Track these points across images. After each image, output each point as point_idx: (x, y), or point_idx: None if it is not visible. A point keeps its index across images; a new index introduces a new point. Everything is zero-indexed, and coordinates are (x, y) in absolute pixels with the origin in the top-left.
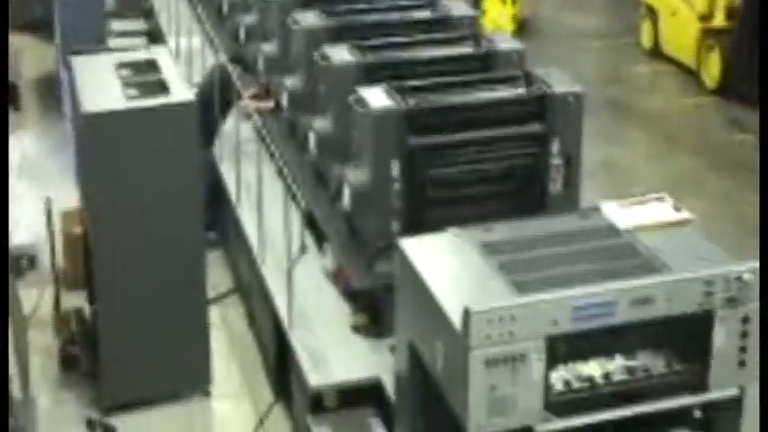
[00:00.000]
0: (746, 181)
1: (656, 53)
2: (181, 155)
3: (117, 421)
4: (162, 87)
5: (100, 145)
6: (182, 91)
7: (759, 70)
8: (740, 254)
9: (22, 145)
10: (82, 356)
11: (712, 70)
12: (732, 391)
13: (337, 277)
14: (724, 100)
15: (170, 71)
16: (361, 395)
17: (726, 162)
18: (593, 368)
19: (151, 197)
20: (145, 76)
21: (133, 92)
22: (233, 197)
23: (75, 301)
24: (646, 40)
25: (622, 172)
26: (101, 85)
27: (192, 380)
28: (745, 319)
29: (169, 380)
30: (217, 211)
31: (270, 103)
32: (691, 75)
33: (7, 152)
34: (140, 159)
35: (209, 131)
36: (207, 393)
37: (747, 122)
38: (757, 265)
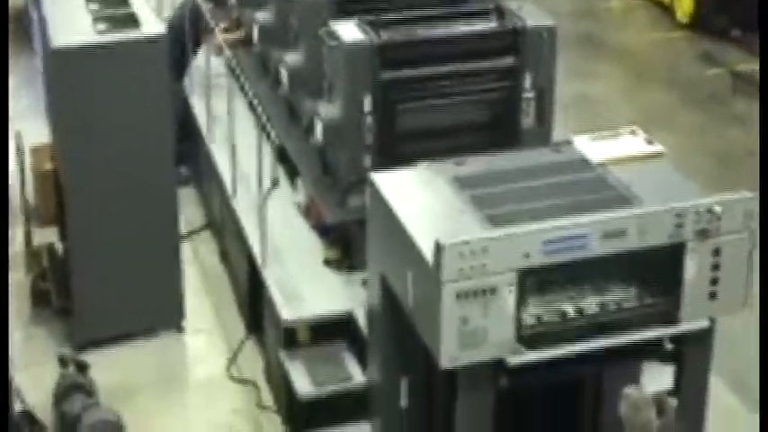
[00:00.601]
0: (718, 115)
1: None
2: (151, 89)
3: (89, 357)
4: (132, 21)
5: (69, 80)
6: (152, 25)
7: (760, 70)
8: (711, 187)
9: None
10: (53, 292)
11: (684, 4)
12: (703, 323)
13: (309, 212)
14: (696, 34)
15: (140, 5)
16: (334, 329)
17: (698, 96)
18: (565, 301)
19: (122, 132)
20: (115, 10)
21: (103, 26)
22: (204, 132)
23: (47, 237)
24: None
25: (595, 106)
26: (70, 19)
27: (164, 316)
28: (716, 252)
29: (142, 316)
30: (188, 146)
31: (241, 36)
32: (663, 9)
33: (7, 150)
34: (110, 94)
35: (179, 66)
36: (180, 329)
37: (719, 56)
38: (728, 197)
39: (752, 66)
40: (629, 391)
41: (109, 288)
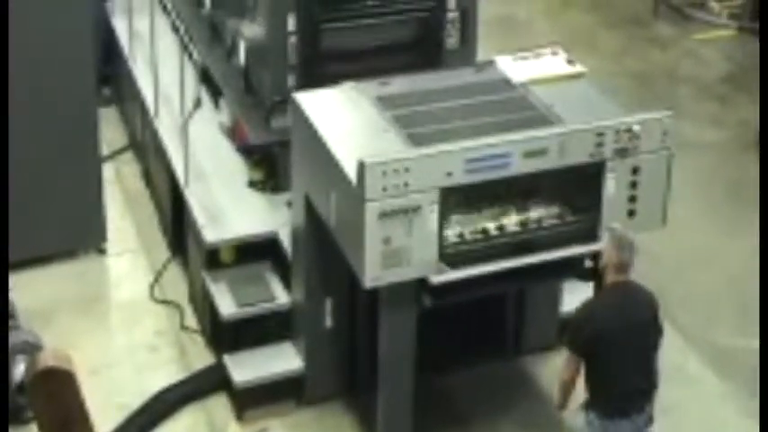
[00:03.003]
0: (639, 37)
1: None
2: (72, 4)
3: (10, 279)
4: None
5: None
6: None
7: (760, 68)
8: (630, 107)
9: None
10: None
11: None
12: None
13: (233, 133)
14: None
15: None
16: (258, 250)
17: (619, 18)
18: (486, 220)
19: (42, 50)
20: None
21: None
22: (126, 52)
23: None
24: None
25: (517, 27)
26: None
27: (86, 237)
28: (635, 170)
29: (63, 238)
30: (112, 67)
31: None
32: None
33: (7, 146)
34: (29, 9)
35: None
36: (102, 251)
37: None
38: (647, 116)
39: None
40: (615, 226)
41: (29, 209)
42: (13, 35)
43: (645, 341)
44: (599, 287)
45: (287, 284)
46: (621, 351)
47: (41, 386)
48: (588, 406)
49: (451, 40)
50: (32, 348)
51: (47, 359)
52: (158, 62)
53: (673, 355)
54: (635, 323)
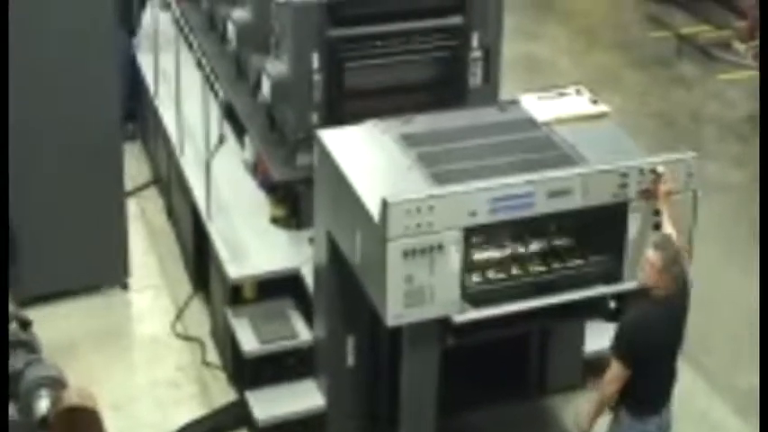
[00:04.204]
0: (662, 77)
1: None
2: (97, 39)
3: (33, 314)
4: None
5: (10, 25)
6: None
7: (760, 67)
8: (654, 147)
9: None
10: None
11: None
12: None
13: (257, 169)
14: None
15: None
16: (281, 287)
17: (643, 58)
18: (509, 259)
19: (67, 84)
20: None
21: None
22: (151, 88)
23: None
24: None
25: (541, 66)
26: None
27: (109, 272)
28: (658, 211)
29: (87, 272)
30: (136, 102)
31: None
32: None
33: (7, 149)
34: (54, 43)
35: (129, 21)
36: (125, 286)
37: (665, 19)
38: (671, 157)
39: (696, 29)
40: (665, 236)
41: (53, 244)
42: (40, 70)
43: (680, 346)
44: None
45: (309, 321)
46: (661, 359)
47: (66, 423)
48: (618, 405)
49: (475, 79)
50: (55, 383)
51: (71, 396)
52: (183, 98)
53: (698, 400)
54: (678, 336)
